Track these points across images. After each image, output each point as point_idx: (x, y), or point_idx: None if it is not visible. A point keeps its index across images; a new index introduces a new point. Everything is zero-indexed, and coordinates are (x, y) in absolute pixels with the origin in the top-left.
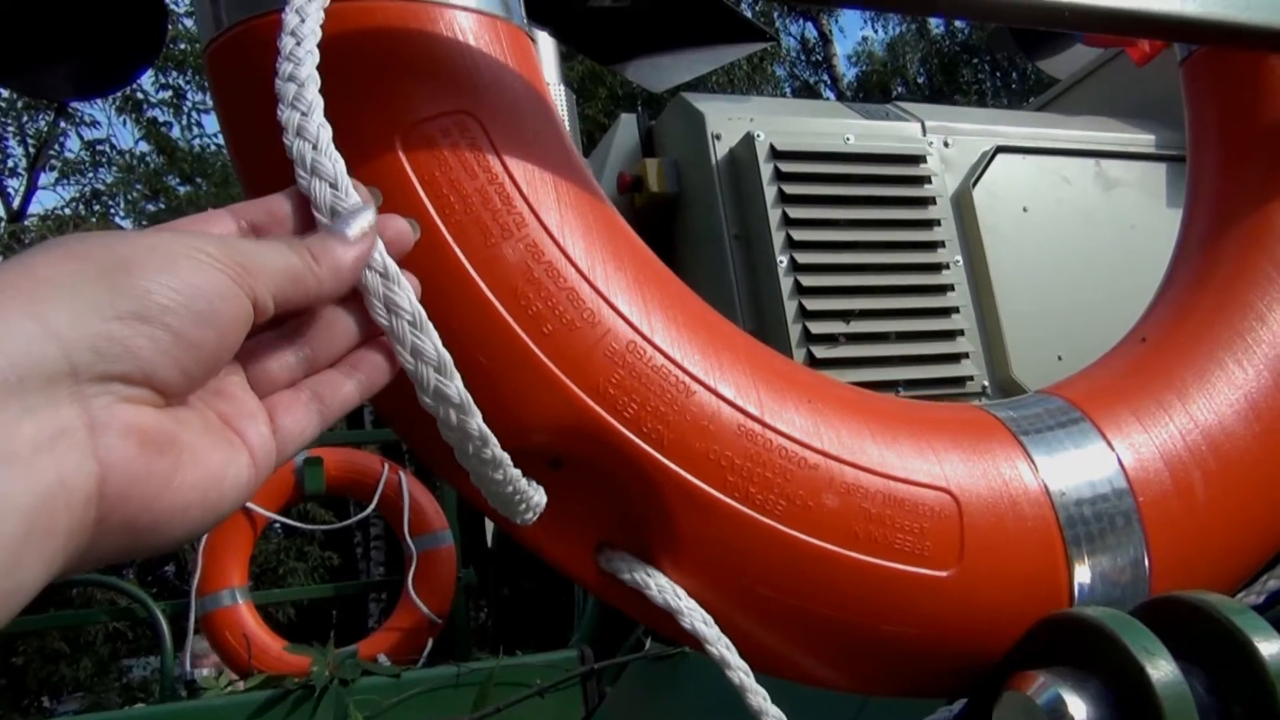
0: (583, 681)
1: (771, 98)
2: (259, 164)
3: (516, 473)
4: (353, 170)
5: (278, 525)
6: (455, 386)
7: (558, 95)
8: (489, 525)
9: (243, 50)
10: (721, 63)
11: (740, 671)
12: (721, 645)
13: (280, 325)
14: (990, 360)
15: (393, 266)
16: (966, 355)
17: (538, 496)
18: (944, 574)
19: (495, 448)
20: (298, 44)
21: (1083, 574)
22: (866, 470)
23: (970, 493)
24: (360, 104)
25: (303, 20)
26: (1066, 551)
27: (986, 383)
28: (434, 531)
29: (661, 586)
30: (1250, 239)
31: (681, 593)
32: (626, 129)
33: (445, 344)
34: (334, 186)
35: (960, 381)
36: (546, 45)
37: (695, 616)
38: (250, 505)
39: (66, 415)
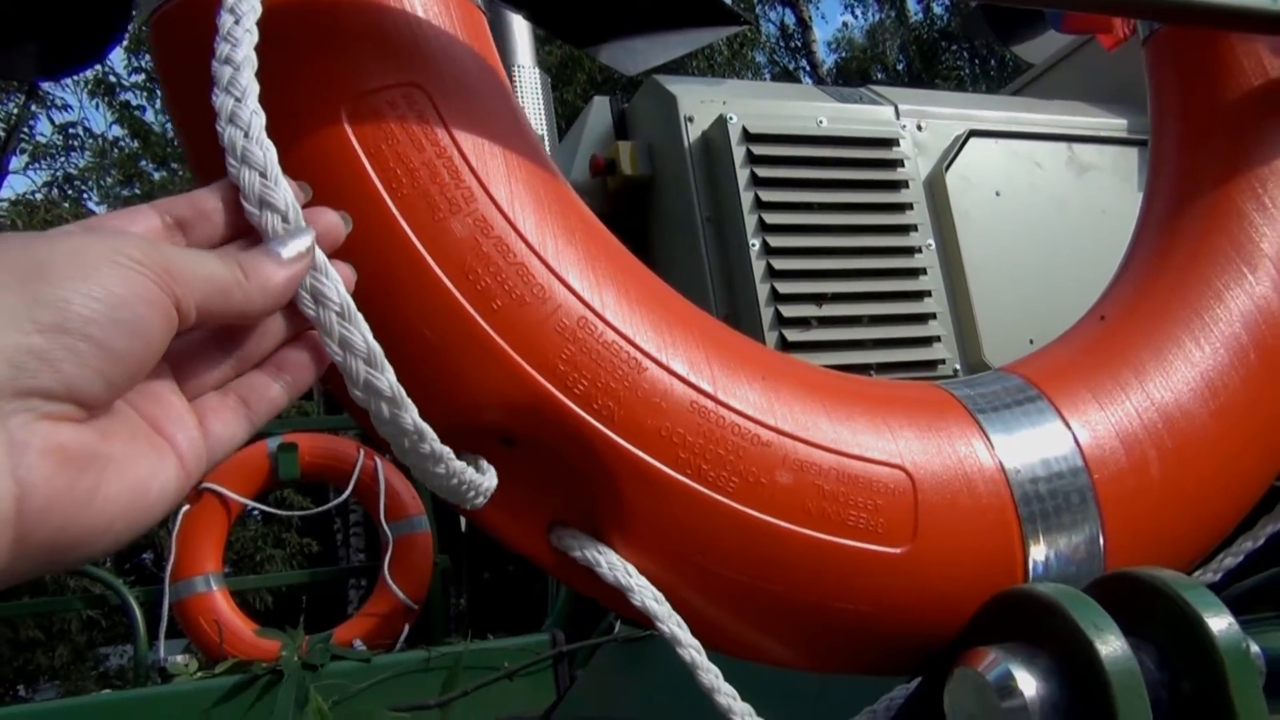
0: (554, 665)
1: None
2: (204, 142)
3: (459, 464)
4: (297, 143)
5: (255, 512)
6: (387, 379)
7: (531, 78)
8: None
9: (187, 20)
10: (696, 46)
11: (691, 649)
12: (672, 623)
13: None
14: (962, 343)
15: (321, 257)
16: (938, 338)
17: (487, 480)
18: (898, 551)
19: (433, 442)
20: (235, 22)
21: (1038, 551)
22: (820, 447)
23: (925, 470)
24: (306, 75)
25: None
26: (1021, 529)
27: (958, 365)
28: (410, 517)
29: (612, 564)
30: (1210, 218)
31: (632, 570)
32: (600, 111)
33: (392, 321)
34: (264, 176)
35: (932, 364)
36: (520, 28)
37: (645, 594)
38: (224, 491)
39: None
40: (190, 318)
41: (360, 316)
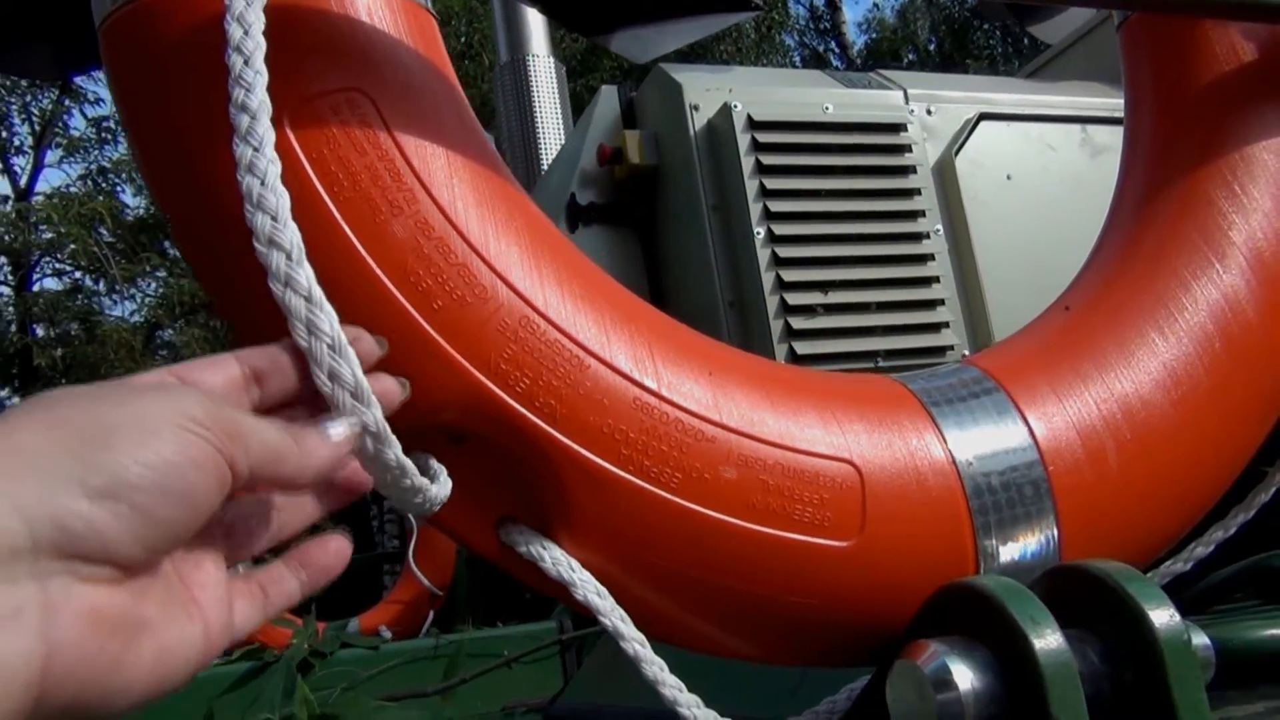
0: (561, 652)
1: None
2: (166, 156)
3: (425, 482)
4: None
5: None
6: (394, 454)
7: (546, 68)
8: None
9: (146, 24)
10: (707, 33)
11: (635, 643)
12: (615, 617)
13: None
14: (972, 330)
15: (341, 339)
16: (947, 325)
17: (442, 491)
18: (844, 544)
19: (415, 476)
20: (255, 151)
21: (990, 545)
22: (766, 442)
23: (873, 463)
24: None
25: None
26: (973, 521)
27: (967, 352)
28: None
29: (556, 559)
30: (1180, 207)
31: (575, 565)
32: (607, 101)
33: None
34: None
35: (941, 351)
36: (536, 18)
37: (588, 588)
38: None
39: (22, 594)
40: (242, 479)
41: (350, 349)
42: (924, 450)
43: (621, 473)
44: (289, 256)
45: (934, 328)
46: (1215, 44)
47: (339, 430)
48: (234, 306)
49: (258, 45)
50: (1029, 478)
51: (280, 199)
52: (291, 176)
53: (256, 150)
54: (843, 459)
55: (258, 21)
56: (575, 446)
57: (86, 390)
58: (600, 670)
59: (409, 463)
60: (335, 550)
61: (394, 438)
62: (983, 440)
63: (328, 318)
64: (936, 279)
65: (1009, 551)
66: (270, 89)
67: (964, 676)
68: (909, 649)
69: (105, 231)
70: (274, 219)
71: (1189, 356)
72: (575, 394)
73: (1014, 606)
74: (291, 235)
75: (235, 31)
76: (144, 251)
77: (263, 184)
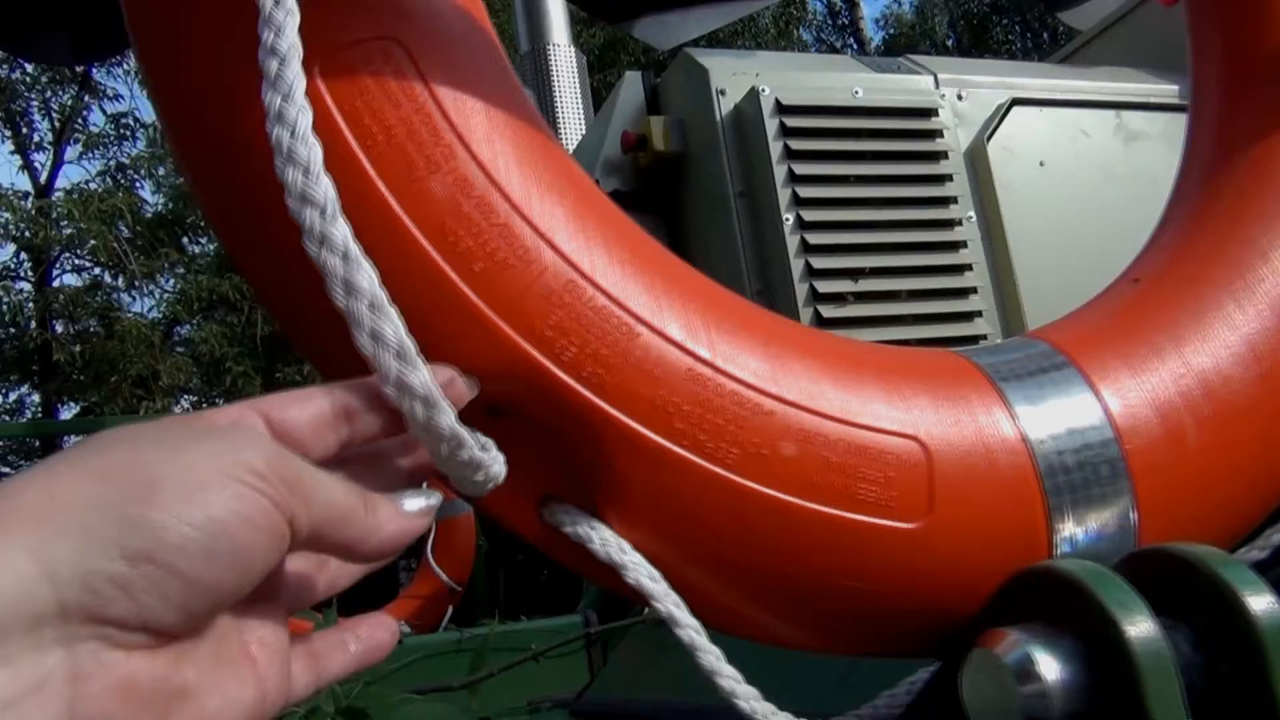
0: (587, 646)
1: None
2: (190, 110)
3: (482, 456)
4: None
5: None
6: (421, 377)
7: (567, 56)
8: None
9: None
10: (730, 19)
11: (690, 630)
12: (669, 602)
13: None
14: (1005, 319)
15: (355, 251)
16: (980, 314)
17: (496, 467)
18: (911, 526)
19: (472, 449)
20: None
21: (1064, 527)
22: (827, 416)
23: (940, 440)
24: None
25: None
26: (1046, 503)
27: (1000, 341)
28: (453, 500)
29: (605, 540)
30: (1252, 174)
31: (626, 546)
32: (631, 87)
33: None
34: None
35: (975, 340)
36: (556, 6)
37: (640, 572)
38: None
39: (49, 664)
40: (301, 538)
41: (391, 310)
42: (993, 427)
43: (675, 447)
44: (323, 212)
45: (966, 316)
46: None
47: (415, 504)
48: (265, 272)
49: None
50: (1104, 456)
51: (312, 151)
52: (323, 130)
53: (286, 98)
54: (908, 435)
55: None
56: (625, 419)
57: (145, 431)
58: (627, 665)
59: (465, 433)
60: (391, 630)
61: (446, 404)
62: (1055, 417)
63: (366, 276)
64: (969, 267)
65: (1084, 534)
66: (300, 37)
67: (1049, 666)
68: (985, 637)
69: (124, 228)
70: (306, 172)
71: (1270, 330)
72: (625, 363)
73: (1102, 591)
74: (325, 189)
75: None
76: (162, 247)
77: (293, 135)
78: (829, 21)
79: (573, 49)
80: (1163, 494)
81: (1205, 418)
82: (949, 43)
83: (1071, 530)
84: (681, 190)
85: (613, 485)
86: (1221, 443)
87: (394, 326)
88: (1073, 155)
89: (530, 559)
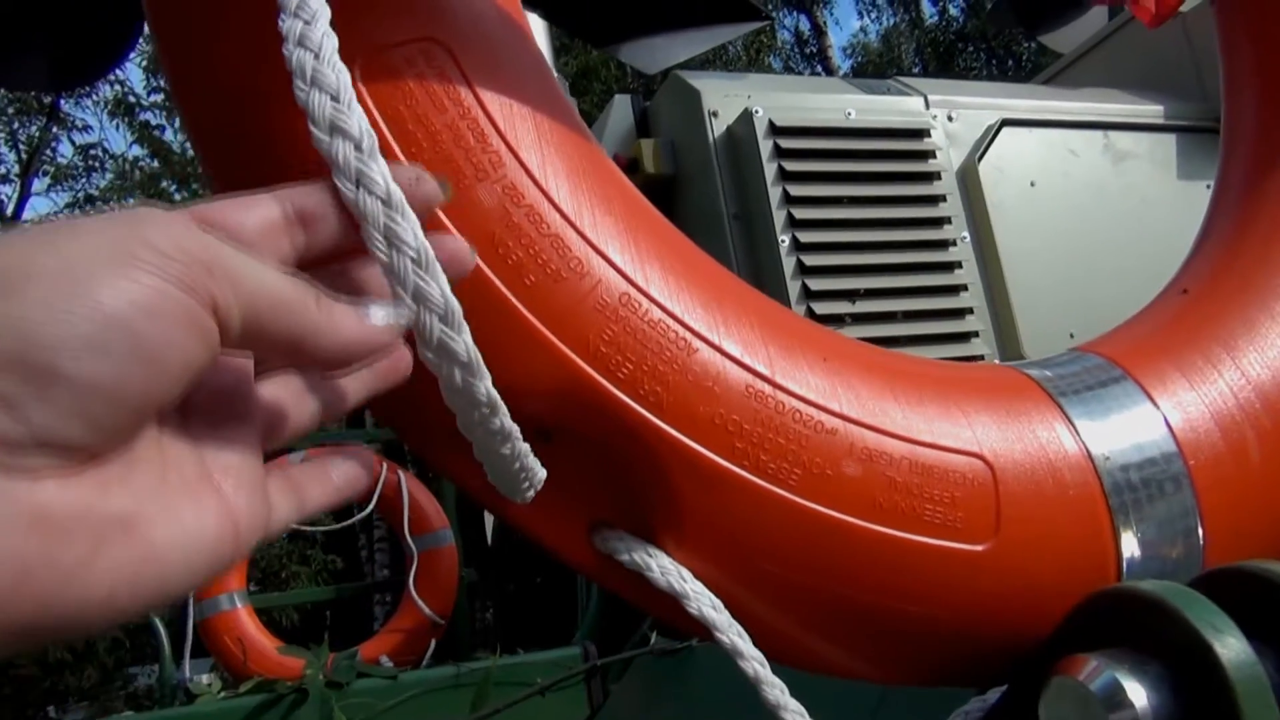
0: (586, 679)
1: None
2: (217, 109)
3: (525, 446)
4: None
5: None
6: (464, 341)
7: None
8: (489, 522)
9: None
10: (716, 43)
11: (755, 662)
12: (733, 633)
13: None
14: (1000, 338)
15: (398, 195)
16: (976, 334)
17: (540, 471)
18: (979, 548)
19: (504, 417)
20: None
21: (1130, 545)
22: (890, 435)
23: (1005, 458)
24: None
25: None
26: (1113, 520)
27: (997, 361)
28: (434, 531)
29: (665, 568)
30: None
31: (687, 574)
32: (621, 110)
33: None
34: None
35: (971, 360)
36: (539, 31)
37: (703, 601)
38: None
39: None
40: (235, 330)
41: (440, 268)
42: (1056, 443)
43: (735, 468)
44: (334, 98)
45: (963, 337)
46: None
47: (381, 313)
48: None
49: None
50: (1169, 473)
51: (327, 41)
52: None
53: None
54: (973, 453)
55: None
56: (684, 439)
57: (23, 229)
58: (630, 699)
59: (502, 403)
60: (367, 460)
61: (485, 369)
62: (1117, 432)
63: (380, 171)
64: (964, 287)
65: (1151, 553)
66: (339, 37)
67: (1138, 693)
68: (1065, 664)
69: None
70: (316, 55)
71: None
72: (683, 380)
73: (1191, 612)
74: (341, 76)
75: None
76: None
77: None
78: (797, 50)
79: (556, 76)
80: (1227, 509)
81: (1266, 430)
82: (915, 70)
83: (1138, 548)
84: (674, 213)
85: (670, 509)
86: None
87: (358, 120)
88: (1063, 175)
89: (521, 590)
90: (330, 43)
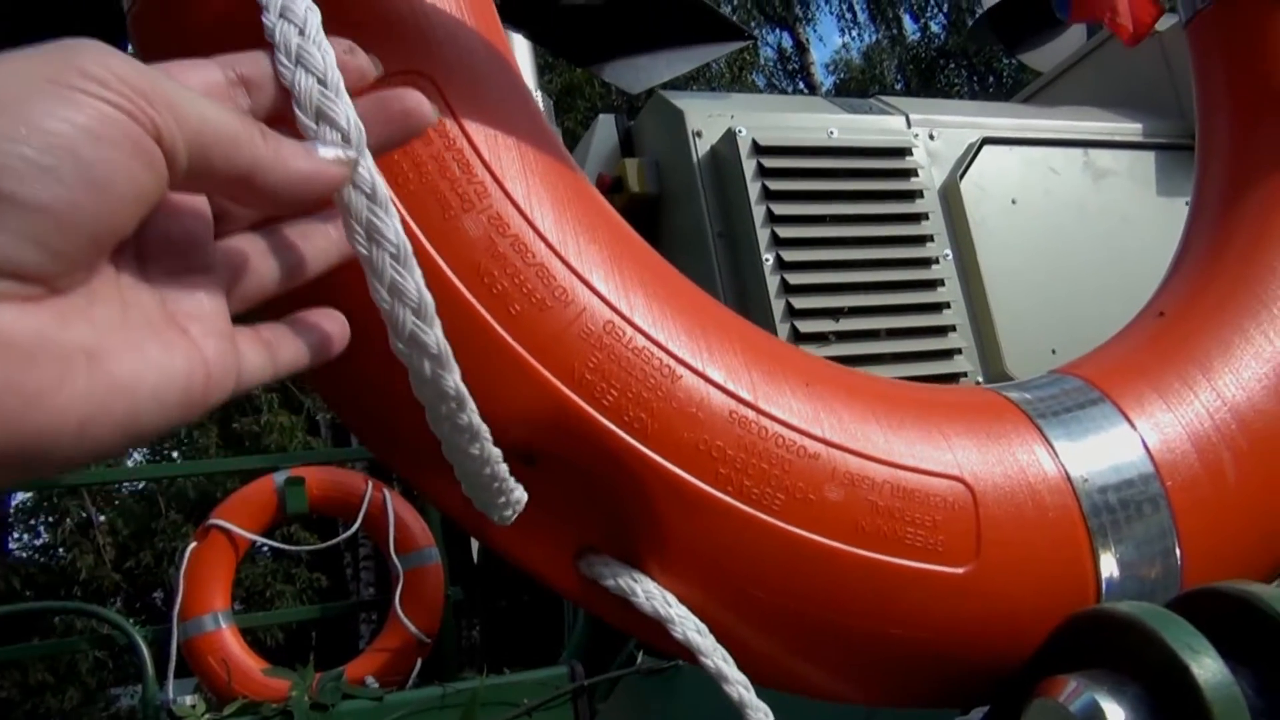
0: (573, 699)
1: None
2: None
3: (496, 451)
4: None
5: (264, 548)
6: (434, 335)
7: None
8: (474, 540)
9: (172, 9)
10: (699, 62)
11: (739, 686)
12: (717, 656)
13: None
14: (983, 355)
15: (384, 192)
16: (959, 351)
17: (518, 491)
18: (960, 570)
19: (473, 414)
20: None
21: (1110, 566)
22: (872, 459)
23: (985, 481)
24: None
25: None
26: (1091, 542)
27: (980, 378)
28: (420, 549)
29: (649, 593)
30: (1269, 202)
31: (671, 599)
32: (605, 130)
33: None
34: (322, 83)
35: (954, 378)
36: (522, 53)
37: (687, 625)
38: (231, 527)
39: None
40: (181, 161)
41: (415, 262)
42: (1036, 466)
43: (720, 494)
44: (301, 31)
45: (946, 354)
46: None
47: (331, 150)
48: None
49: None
50: (1146, 494)
51: (326, 53)
52: None
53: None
54: (953, 476)
55: None
56: (669, 465)
57: None
58: (616, 718)
59: (471, 402)
60: (340, 319)
61: (454, 361)
62: (1095, 454)
63: (320, 50)
64: (947, 304)
65: (1130, 574)
66: None
67: (1116, 714)
68: (1045, 685)
69: None
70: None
71: None
72: (667, 407)
73: (1168, 633)
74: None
75: None
76: None
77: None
78: (780, 67)
79: (540, 94)
80: (1205, 530)
81: (1243, 451)
82: (897, 87)
83: (1117, 570)
84: (659, 231)
85: (655, 534)
86: (1259, 476)
87: (415, 281)
88: (1043, 193)
89: (509, 608)
90: None
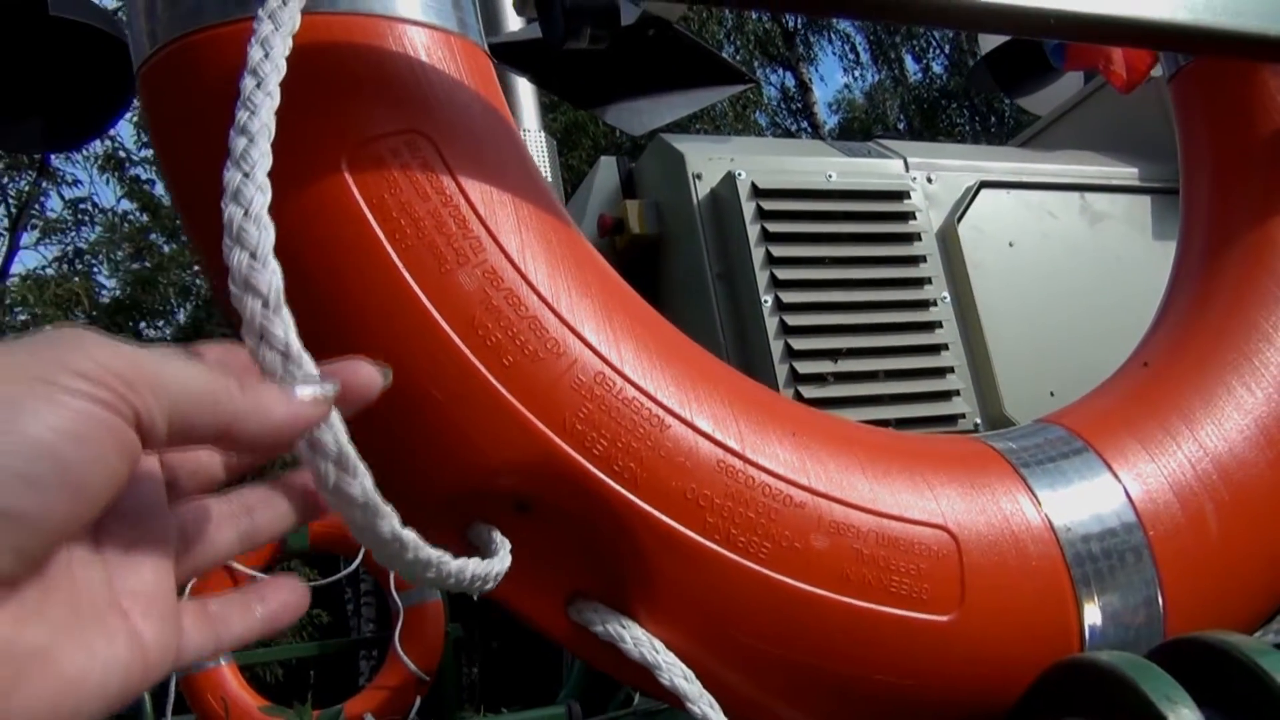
0: None
1: (752, 137)
2: (198, 192)
3: (433, 552)
4: (296, 193)
5: None
6: (360, 484)
7: (538, 141)
8: None
9: (180, 69)
10: (701, 105)
11: None
12: (704, 703)
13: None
14: (981, 397)
15: (349, 451)
16: (957, 392)
17: (497, 565)
18: (944, 619)
19: (419, 549)
20: (247, 176)
21: (1093, 615)
22: (857, 508)
23: (969, 530)
24: (304, 122)
25: (258, 104)
26: (1075, 591)
27: (979, 420)
28: (421, 586)
29: (637, 639)
30: (1251, 257)
31: (659, 645)
32: (606, 171)
33: (397, 380)
34: (285, 355)
35: (952, 419)
36: (526, 92)
37: (674, 672)
38: (233, 564)
39: None
40: (159, 433)
41: (362, 468)
42: (1019, 515)
43: (708, 542)
44: (265, 303)
45: (944, 396)
46: (1276, 92)
47: (308, 390)
48: None
49: (275, 69)
50: (1129, 544)
51: (265, 232)
52: (351, 223)
53: (247, 176)
54: (938, 525)
55: (281, 46)
56: (657, 514)
57: None
58: None
59: (409, 534)
60: (298, 591)
61: (386, 507)
62: (1078, 503)
63: (284, 329)
64: (945, 346)
65: (1113, 623)
66: (328, 129)
67: None
68: None
69: (81, 314)
70: (253, 255)
71: (1279, 412)
72: (656, 456)
73: (1146, 684)
74: (272, 277)
75: (255, 54)
76: (120, 333)
77: (246, 214)
78: (783, 106)
79: (543, 134)
80: (1187, 580)
81: (1225, 502)
82: (900, 126)
83: (1100, 618)
84: (659, 273)
85: (644, 582)
86: (1241, 526)
87: (285, 326)
88: (1041, 236)
89: (506, 647)
90: (261, 199)
